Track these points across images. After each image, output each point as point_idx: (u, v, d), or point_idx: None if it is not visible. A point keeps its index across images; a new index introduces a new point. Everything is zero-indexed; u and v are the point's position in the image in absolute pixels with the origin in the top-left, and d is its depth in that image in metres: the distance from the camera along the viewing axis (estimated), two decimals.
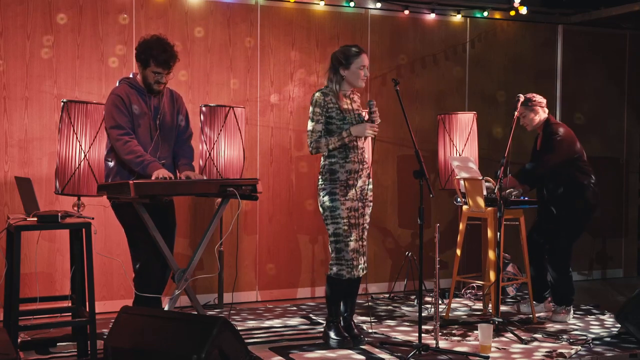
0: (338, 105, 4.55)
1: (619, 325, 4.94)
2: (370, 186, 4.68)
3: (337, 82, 4.60)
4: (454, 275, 5.42)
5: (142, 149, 4.32)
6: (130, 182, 4.00)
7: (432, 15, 6.49)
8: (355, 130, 4.49)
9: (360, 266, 4.58)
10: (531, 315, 5.29)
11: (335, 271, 4.55)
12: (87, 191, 4.74)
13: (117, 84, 4.50)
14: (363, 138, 4.59)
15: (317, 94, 4.56)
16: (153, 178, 4.18)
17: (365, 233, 4.67)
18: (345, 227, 4.52)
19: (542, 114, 5.33)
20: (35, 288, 5.07)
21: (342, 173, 4.54)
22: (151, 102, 4.44)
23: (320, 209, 4.59)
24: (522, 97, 5.21)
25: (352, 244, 4.54)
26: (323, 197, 4.55)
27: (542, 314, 5.44)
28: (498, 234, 4.93)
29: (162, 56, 4.33)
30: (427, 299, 5.82)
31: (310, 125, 4.55)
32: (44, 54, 5.26)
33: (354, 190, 4.56)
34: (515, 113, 5.21)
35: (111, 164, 4.41)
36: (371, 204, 4.69)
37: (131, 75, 4.51)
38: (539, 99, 5.32)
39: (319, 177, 4.60)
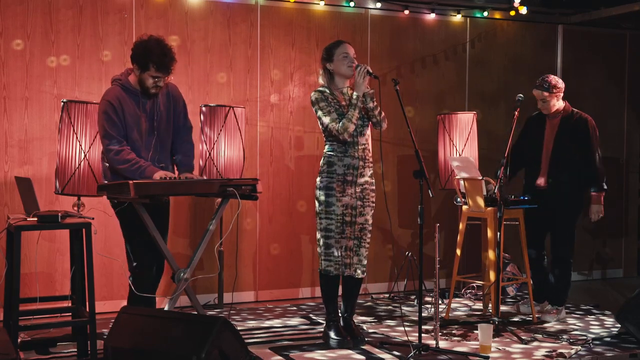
0: (337, 101, 4.57)
1: (619, 325, 4.94)
2: (373, 187, 4.65)
3: (328, 80, 4.62)
4: (454, 275, 5.42)
5: (137, 154, 4.23)
6: (130, 182, 3.99)
7: (432, 15, 6.49)
8: (355, 88, 4.49)
9: (358, 268, 4.58)
10: (531, 316, 5.29)
11: (324, 267, 4.56)
12: (87, 191, 4.74)
13: (111, 85, 4.36)
14: (366, 135, 4.59)
15: (314, 93, 4.57)
16: (158, 179, 4.16)
17: (366, 235, 4.62)
18: (338, 224, 4.52)
19: (561, 101, 5.37)
20: (35, 288, 5.07)
21: (340, 167, 4.53)
22: (145, 104, 4.31)
23: (316, 202, 4.59)
24: (521, 97, 5.22)
25: (343, 242, 4.53)
26: (319, 190, 4.55)
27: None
28: (498, 234, 4.94)
29: (163, 61, 4.18)
30: (427, 299, 5.82)
31: (326, 119, 4.49)
32: (44, 54, 5.26)
33: (354, 187, 4.56)
34: (515, 113, 5.21)
35: (107, 164, 4.34)
36: (373, 204, 4.66)
37: (123, 74, 4.34)
38: (561, 84, 5.33)
39: (319, 174, 4.60)
